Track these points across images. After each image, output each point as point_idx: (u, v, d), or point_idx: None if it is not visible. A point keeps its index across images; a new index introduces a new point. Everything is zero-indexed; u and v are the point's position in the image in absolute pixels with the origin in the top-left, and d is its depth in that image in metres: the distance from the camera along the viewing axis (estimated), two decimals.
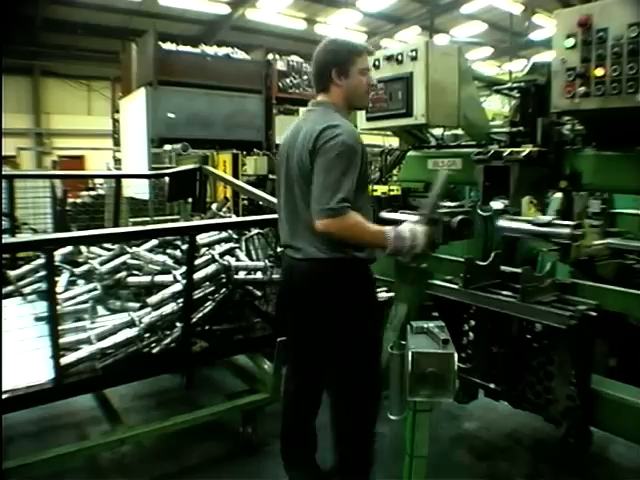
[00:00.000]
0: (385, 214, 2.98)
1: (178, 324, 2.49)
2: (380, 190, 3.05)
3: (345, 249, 1.94)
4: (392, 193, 3.05)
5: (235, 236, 3.04)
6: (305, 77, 8.18)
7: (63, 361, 2.17)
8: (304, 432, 2.32)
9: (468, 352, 2.49)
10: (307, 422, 2.31)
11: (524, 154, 2.21)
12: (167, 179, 4.01)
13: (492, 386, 2.38)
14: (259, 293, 2.89)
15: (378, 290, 3.86)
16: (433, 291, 2.47)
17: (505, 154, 2.26)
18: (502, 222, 2.40)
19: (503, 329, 2.33)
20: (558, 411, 2.17)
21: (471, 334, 2.48)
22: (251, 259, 2.98)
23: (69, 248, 3.14)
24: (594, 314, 2.11)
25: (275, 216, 2.66)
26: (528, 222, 2.26)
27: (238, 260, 2.86)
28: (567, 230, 2.19)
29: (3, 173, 3.68)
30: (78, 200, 6.46)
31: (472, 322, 2.48)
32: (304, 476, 2.30)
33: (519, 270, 2.29)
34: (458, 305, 2.45)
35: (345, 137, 1.87)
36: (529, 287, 2.20)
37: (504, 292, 2.33)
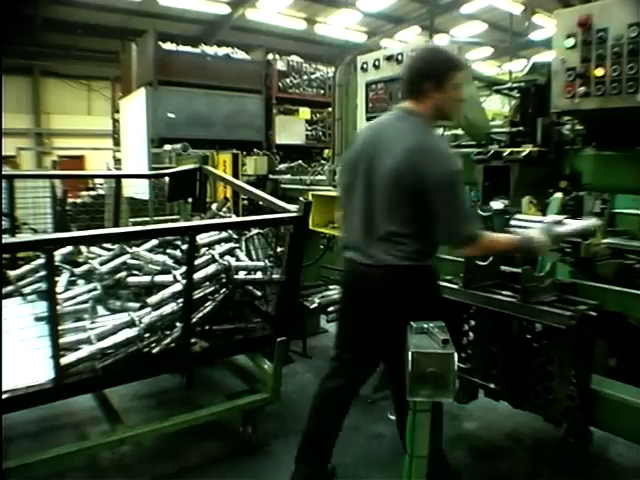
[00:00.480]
0: None
1: (178, 324, 2.49)
2: None
3: (418, 258, 2.02)
4: None
5: (235, 236, 3.04)
6: (305, 77, 8.17)
7: (63, 361, 2.17)
8: (330, 432, 2.32)
9: (468, 352, 2.49)
10: (337, 423, 2.33)
11: (524, 154, 2.21)
12: (167, 179, 4.01)
13: (492, 386, 2.38)
14: (259, 293, 2.89)
15: None
16: None
17: (505, 154, 2.26)
18: (514, 221, 2.40)
19: (503, 329, 2.33)
20: (558, 411, 2.17)
21: (471, 334, 2.48)
22: (251, 259, 2.97)
23: (69, 248, 3.13)
24: (594, 314, 2.11)
25: (275, 216, 2.67)
26: (539, 221, 2.26)
27: (238, 260, 2.86)
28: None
29: (3, 173, 3.68)
30: (78, 200, 6.46)
31: (472, 322, 2.48)
32: (311, 473, 2.29)
33: (519, 270, 2.29)
34: (458, 305, 2.45)
35: (453, 159, 1.97)
36: (529, 287, 2.20)
37: (504, 292, 2.33)
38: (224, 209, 3.47)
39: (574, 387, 2.12)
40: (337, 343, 2.37)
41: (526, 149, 2.23)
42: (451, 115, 2.21)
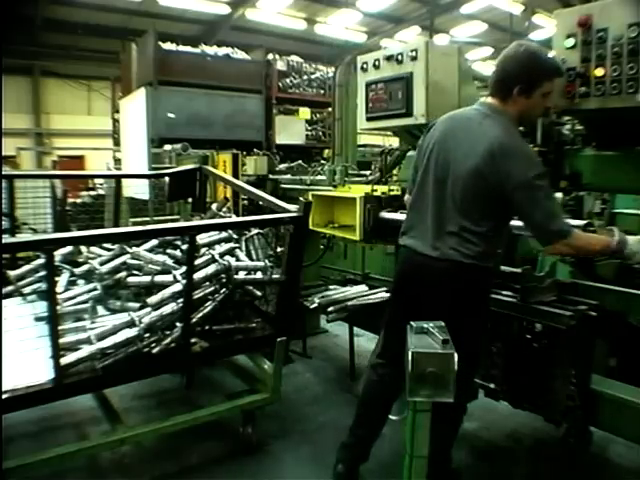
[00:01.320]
0: (385, 214, 2.99)
1: (178, 324, 2.49)
2: (380, 190, 3.04)
3: (482, 259, 2.02)
4: (392, 193, 3.04)
5: (235, 236, 3.04)
6: (305, 77, 8.18)
7: (63, 361, 2.16)
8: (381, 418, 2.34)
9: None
10: (386, 408, 2.33)
11: None
12: (167, 179, 4.01)
13: (492, 386, 2.38)
14: (259, 293, 2.89)
15: (378, 290, 3.88)
16: None
17: None
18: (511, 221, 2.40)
19: (503, 329, 2.33)
20: (558, 411, 2.17)
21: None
22: (251, 259, 2.97)
23: (69, 248, 3.13)
24: (594, 314, 2.11)
25: (275, 216, 2.66)
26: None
27: (238, 260, 2.86)
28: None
29: (3, 173, 3.68)
30: (78, 200, 6.47)
31: None
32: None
33: (519, 270, 2.30)
34: None
35: (536, 160, 1.99)
36: (529, 287, 2.20)
37: (504, 292, 2.33)
38: (224, 209, 3.47)
39: (574, 387, 2.12)
40: (384, 341, 2.36)
41: None
42: (533, 120, 2.20)
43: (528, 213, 1.94)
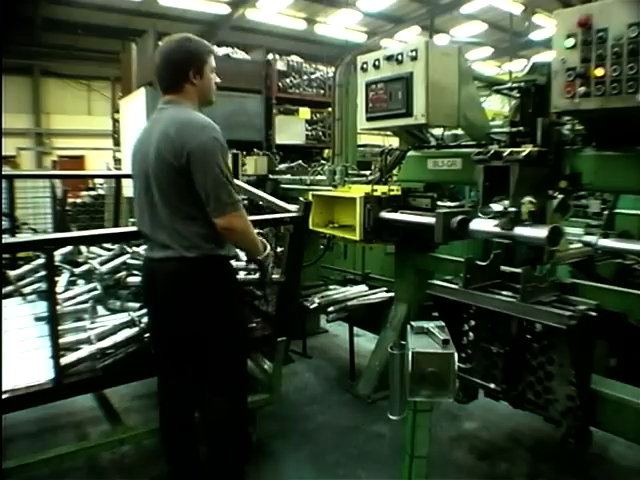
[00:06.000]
0: (385, 214, 2.99)
1: None
2: (380, 190, 3.04)
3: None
4: (392, 193, 3.04)
5: None
6: (305, 77, 8.17)
7: (63, 361, 2.17)
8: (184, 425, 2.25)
9: (468, 352, 2.49)
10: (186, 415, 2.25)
11: (524, 154, 2.20)
12: None
13: (492, 386, 2.38)
14: (259, 293, 2.89)
15: (378, 290, 3.89)
16: (433, 291, 2.47)
17: (505, 154, 2.26)
18: (473, 225, 2.40)
19: (503, 329, 2.33)
20: (558, 411, 2.17)
21: (471, 334, 2.48)
22: None
23: (69, 248, 3.14)
24: (594, 314, 2.11)
25: (275, 216, 2.66)
26: (497, 225, 2.25)
27: (238, 260, 2.86)
28: (544, 235, 2.11)
29: (3, 173, 3.68)
30: (78, 200, 6.48)
31: (472, 322, 2.48)
32: (184, 469, 2.23)
33: (519, 270, 2.29)
34: (458, 305, 2.44)
35: (211, 126, 1.95)
36: (529, 287, 2.19)
37: (504, 292, 2.33)
38: None
39: (574, 387, 2.12)
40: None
41: (526, 149, 2.23)
42: (210, 99, 2.16)
43: (200, 180, 1.89)
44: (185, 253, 1.95)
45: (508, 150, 2.27)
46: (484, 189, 2.33)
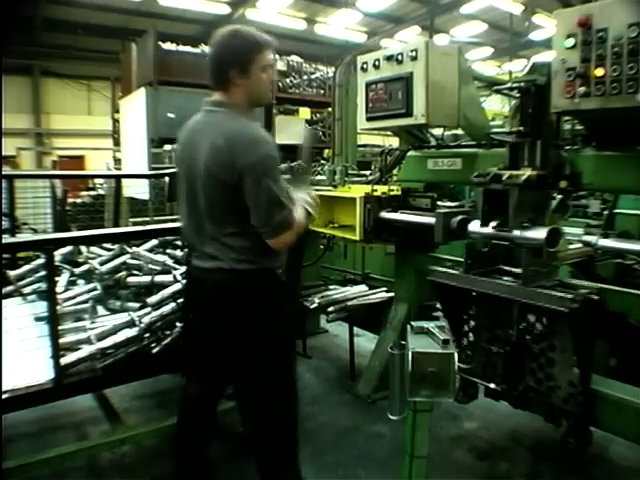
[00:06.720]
0: (385, 214, 2.99)
1: (178, 324, 2.49)
2: (380, 190, 3.04)
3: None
4: (392, 193, 3.04)
5: None
6: (305, 77, 8.17)
7: (63, 361, 2.17)
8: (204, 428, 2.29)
9: (468, 352, 2.48)
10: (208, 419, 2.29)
11: (524, 178, 2.17)
12: (167, 179, 4.01)
13: (492, 386, 2.37)
14: None
15: (378, 290, 3.89)
16: (434, 277, 2.42)
17: (504, 177, 2.22)
18: (471, 227, 2.38)
19: (505, 315, 2.28)
20: (560, 397, 2.14)
21: (471, 335, 2.47)
22: None
23: (69, 248, 3.14)
24: (596, 297, 2.06)
25: None
26: (495, 227, 2.23)
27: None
28: (542, 236, 2.09)
29: (3, 173, 3.68)
30: (78, 200, 6.48)
31: (473, 308, 2.43)
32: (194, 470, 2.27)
33: (519, 270, 2.28)
34: (459, 292, 2.40)
35: (265, 141, 1.94)
36: (530, 271, 2.16)
37: (505, 277, 2.30)
38: None
39: (574, 388, 2.11)
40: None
41: (525, 172, 2.19)
42: (265, 100, 2.07)
43: (252, 201, 1.83)
44: (235, 265, 1.90)
45: (507, 173, 2.23)
46: (483, 213, 2.30)
